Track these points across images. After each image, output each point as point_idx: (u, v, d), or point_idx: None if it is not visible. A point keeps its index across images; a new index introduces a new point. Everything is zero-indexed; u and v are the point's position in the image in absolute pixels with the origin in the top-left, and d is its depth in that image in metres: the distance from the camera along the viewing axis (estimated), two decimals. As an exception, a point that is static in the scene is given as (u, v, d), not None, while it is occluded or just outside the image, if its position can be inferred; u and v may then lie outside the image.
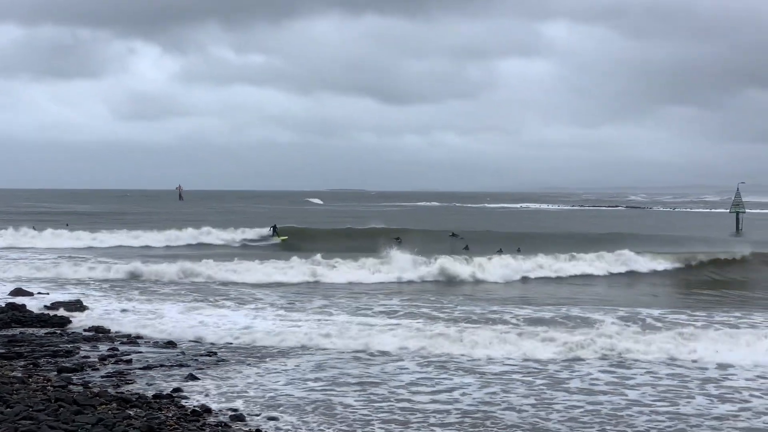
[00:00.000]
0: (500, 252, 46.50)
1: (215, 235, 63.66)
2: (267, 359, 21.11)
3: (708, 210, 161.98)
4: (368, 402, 17.17)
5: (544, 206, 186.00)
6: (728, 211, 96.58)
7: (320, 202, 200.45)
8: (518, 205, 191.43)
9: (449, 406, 16.97)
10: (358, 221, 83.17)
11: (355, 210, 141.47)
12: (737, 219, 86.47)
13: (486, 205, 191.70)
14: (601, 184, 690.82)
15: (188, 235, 63.07)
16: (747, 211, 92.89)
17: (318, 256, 42.71)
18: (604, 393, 18.40)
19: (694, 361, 21.66)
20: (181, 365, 20.05)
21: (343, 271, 41.10)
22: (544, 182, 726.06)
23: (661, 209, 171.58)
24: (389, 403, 17.11)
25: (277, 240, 61.92)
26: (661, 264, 46.91)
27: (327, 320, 26.64)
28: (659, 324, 27.09)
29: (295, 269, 40.90)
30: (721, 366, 21.21)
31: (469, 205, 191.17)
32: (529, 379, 19.65)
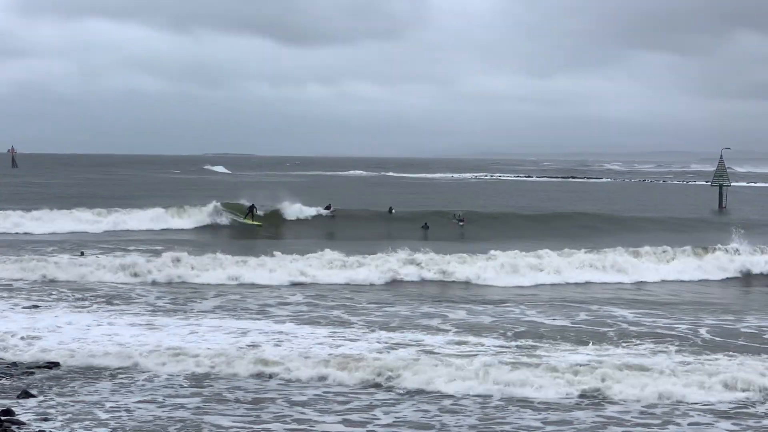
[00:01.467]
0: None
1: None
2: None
3: (684, 182, 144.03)
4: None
5: (506, 177, 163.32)
6: (710, 183, 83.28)
7: (225, 170, 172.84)
8: (470, 176, 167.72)
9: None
10: (312, 198, 65.26)
11: (279, 180, 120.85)
12: (720, 193, 73.69)
13: (428, 175, 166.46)
14: (559, 148, 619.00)
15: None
16: (732, 183, 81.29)
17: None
18: None
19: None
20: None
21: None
22: (488, 146, 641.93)
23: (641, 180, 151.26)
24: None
25: (249, 222, 52.23)
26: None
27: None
28: None
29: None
30: None
31: (407, 175, 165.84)
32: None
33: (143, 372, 17.93)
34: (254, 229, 50.82)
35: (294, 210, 54.01)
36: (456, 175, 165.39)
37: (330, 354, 19.02)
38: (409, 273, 32.06)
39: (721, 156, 75.13)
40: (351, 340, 20.85)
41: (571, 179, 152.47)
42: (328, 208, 55.03)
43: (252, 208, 52.78)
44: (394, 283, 31.40)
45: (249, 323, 22.91)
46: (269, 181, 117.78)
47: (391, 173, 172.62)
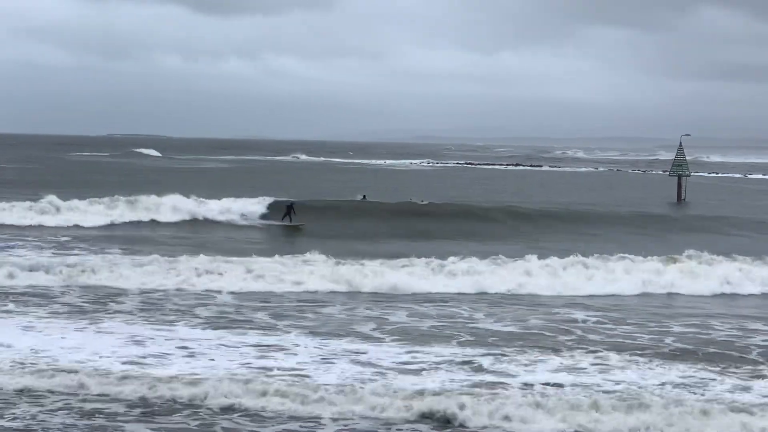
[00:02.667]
0: None
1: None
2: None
3: (642, 171, 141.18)
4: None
5: (450, 163, 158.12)
6: (668, 173, 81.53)
7: (157, 153, 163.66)
8: (418, 161, 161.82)
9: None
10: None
11: (221, 166, 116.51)
12: (679, 184, 71.23)
13: (377, 161, 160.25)
14: (507, 132, 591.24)
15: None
16: (692, 174, 79.24)
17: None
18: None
19: None
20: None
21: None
22: (429, 129, 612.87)
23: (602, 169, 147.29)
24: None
25: (287, 222, 47.04)
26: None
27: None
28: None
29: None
30: None
31: (357, 161, 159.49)
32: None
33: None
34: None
35: None
36: (413, 162, 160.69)
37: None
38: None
39: (681, 143, 72.67)
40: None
41: (530, 167, 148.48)
42: (289, 206, 48.60)
43: (290, 207, 47.62)
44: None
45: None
46: (214, 167, 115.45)
47: (337, 159, 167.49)
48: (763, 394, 16.10)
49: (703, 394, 15.89)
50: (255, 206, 48.50)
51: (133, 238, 38.14)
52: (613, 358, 18.28)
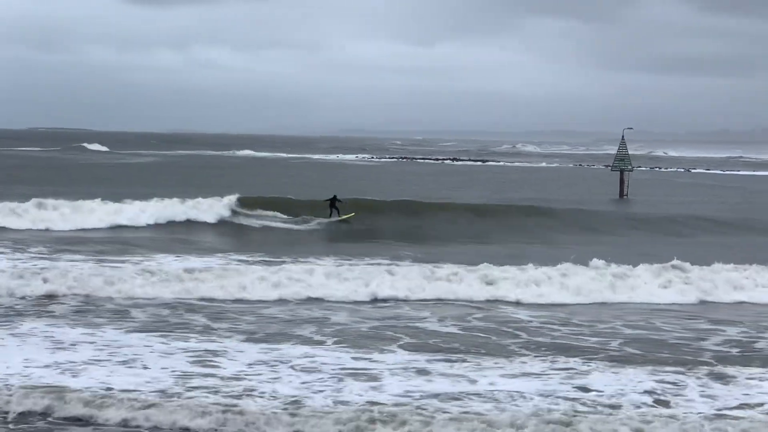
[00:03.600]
0: None
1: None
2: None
3: (583, 165, 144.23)
4: None
5: (385, 159, 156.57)
6: (610, 168, 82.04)
7: (104, 148, 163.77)
8: (355, 156, 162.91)
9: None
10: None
11: (172, 161, 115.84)
12: (621, 180, 71.79)
13: (329, 156, 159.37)
14: (448, 125, 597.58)
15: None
16: (635, 168, 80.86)
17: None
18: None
19: None
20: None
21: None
22: (366, 123, 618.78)
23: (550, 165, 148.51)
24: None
25: (335, 218, 47.46)
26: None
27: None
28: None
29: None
30: None
31: (310, 156, 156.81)
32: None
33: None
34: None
35: None
36: (364, 156, 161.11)
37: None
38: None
39: (623, 137, 73.29)
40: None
41: (480, 162, 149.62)
42: (332, 200, 48.58)
43: (333, 200, 47.66)
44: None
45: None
46: (166, 161, 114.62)
47: (282, 154, 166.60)
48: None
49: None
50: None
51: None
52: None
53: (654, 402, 15.71)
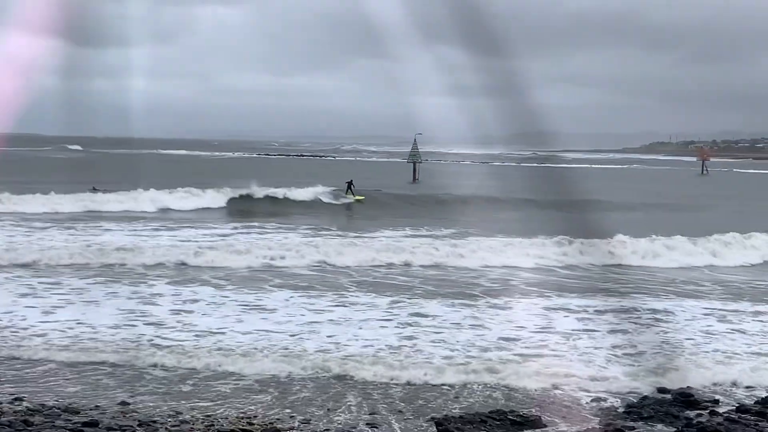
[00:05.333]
0: None
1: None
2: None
3: (387, 159, 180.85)
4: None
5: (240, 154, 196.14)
6: (406, 161, 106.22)
7: (79, 147, 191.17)
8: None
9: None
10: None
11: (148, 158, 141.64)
12: (414, 168, 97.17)
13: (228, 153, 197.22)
14: (297, 132, 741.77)
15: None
16: (424, 160, 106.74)
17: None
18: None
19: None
20: None
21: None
22: (239, 130, 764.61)
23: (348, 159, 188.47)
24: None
25: (350, 199, 59.37)
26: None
27: None
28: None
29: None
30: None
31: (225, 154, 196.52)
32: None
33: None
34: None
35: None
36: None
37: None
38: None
39: (415, 139, 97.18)
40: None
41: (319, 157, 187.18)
42: (349, 184, 60.63)
43: (350, 183, 59.65)
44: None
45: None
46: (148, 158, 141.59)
47: (204, 153, 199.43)
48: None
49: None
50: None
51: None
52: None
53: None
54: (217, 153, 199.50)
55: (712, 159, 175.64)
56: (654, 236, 39.67)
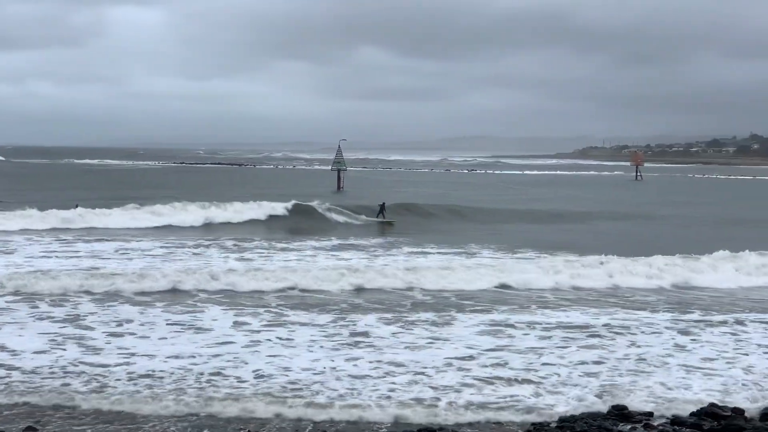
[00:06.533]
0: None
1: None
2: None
3: (311, 167, 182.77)
4: None
5: (158, 164, 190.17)
6: (330, 168, 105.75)
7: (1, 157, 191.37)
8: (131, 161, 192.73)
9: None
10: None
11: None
12: (339, 176, 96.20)
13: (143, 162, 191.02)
14: (215, 139, 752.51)
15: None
16: (349, 168, 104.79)
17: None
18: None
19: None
20: None
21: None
22: (156, 137, 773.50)
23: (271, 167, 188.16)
24: None
25: (380, 219, 58.23)
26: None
27: None
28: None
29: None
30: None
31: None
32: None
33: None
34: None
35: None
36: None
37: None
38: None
39: (339, 145, 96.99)
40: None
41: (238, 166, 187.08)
42: (381, 206, 59.13)
43: (383, 206, 58.51)
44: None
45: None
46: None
47: (125, 162, 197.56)
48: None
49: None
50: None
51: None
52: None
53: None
54: (141, 163, 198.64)
55: (645, 164, 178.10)
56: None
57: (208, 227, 53.31)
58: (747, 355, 21.89)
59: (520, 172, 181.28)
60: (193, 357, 20.59)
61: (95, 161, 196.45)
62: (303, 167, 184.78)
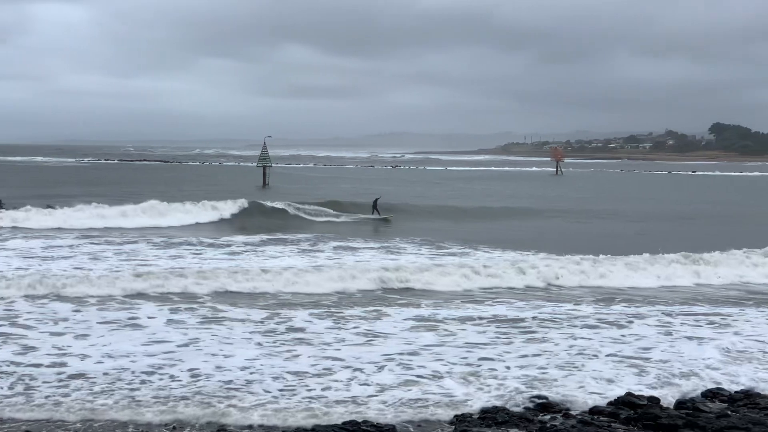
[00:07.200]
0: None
1: None
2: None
3: (237, 164, 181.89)
4: None
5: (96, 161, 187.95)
6: (256, 165, 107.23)
7: None
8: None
9: None
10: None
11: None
12: (264, 173, 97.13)
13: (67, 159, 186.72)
14: (141, 136, 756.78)
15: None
16: (274, 165, 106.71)
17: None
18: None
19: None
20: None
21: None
22: (79, 134, 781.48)
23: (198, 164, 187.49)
24: None
25: (376, 216, 58.04)
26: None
27: None
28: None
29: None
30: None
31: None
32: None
33: None
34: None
35: None
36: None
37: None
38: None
39: (264, 142, 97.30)
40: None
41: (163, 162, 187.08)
42: (375, 202, 59.32)
43: (376, 202, 58.55)
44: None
45: None
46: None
47: (51, 159, 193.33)
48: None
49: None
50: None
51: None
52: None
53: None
54: (70, 159, 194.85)
55: (566, 159, 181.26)
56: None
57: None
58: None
59: (444, 168, 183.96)
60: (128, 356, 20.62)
61: (18, 158, 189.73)
62: (231, 164, 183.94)
